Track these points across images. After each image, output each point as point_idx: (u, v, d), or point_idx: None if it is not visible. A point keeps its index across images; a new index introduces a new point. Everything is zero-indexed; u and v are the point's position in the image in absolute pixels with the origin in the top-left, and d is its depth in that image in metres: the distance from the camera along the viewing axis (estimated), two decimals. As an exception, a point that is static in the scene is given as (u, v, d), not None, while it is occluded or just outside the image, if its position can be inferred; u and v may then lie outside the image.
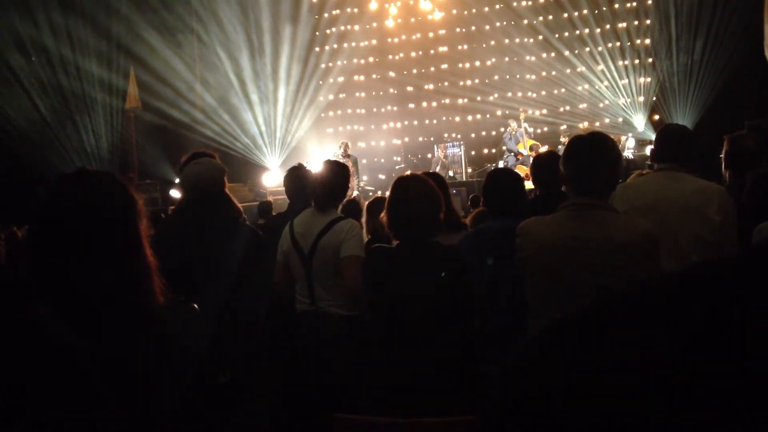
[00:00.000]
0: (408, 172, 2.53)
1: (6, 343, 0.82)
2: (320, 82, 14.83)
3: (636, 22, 13.27)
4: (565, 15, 13.82)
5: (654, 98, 12.76)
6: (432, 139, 14.74)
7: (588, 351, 0.41)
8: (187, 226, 2.83)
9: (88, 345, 0.89)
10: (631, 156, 11.06)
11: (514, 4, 14.26)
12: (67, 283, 1.10)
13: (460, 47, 15.01)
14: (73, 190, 1.18)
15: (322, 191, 3.10)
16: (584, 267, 2.00)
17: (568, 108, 13.91)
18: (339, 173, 3.16)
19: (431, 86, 15.19)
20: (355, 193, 10.09)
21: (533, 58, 14.22)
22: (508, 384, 0.46)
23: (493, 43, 14.63)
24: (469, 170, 13.35)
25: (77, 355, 0.87)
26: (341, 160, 4.13)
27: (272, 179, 12.56)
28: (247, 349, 2.90)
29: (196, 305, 1.35)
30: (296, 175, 3.78)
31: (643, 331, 0.40)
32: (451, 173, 12.76)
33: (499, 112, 14.28)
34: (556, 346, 0.44)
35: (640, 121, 12.92)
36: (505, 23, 14.49)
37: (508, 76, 14.50)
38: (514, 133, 12.14)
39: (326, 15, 14.99)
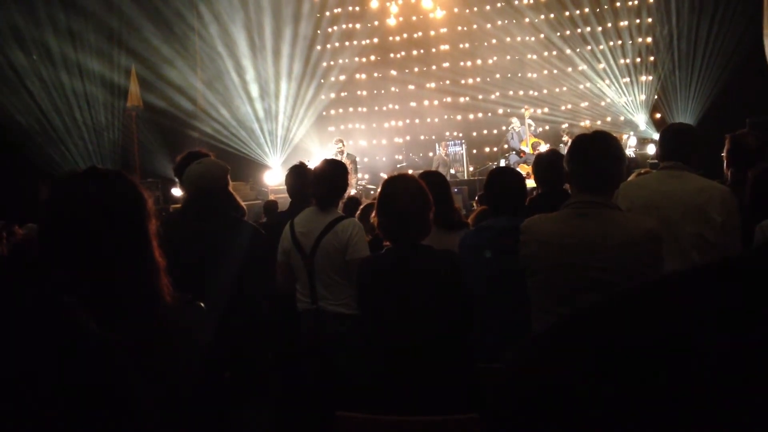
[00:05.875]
0: (396, 172, 2.48)
1: (46, 335, 0.82)
2: (322, 81, 14.79)
3: (637, 20, 13.22)
4: (567, 13, 13.77)
5: (656, 96, 12.72)
6: (433, 137, 14.69)
7: (593, 350, 0.41)
8: (190, 225, 2.83)
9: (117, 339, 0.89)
10: (632, 154, 11.04)
11: (516, 2, 14.21)
12: (75, 282, 1.10)
13: (461, 46, 14.96)
14: (83, 188, 1.18)
15: (322, 190, 3.09)
16: (588, 265, 2.00)
17: (569, 106, 13.87)
18: (337, 171, 3.15)
19: (433, 85, 15.14)
20: (353, 191, 10.09)
21: (535, 57, 14.17)
22: (511, 382, 0.46)
23: (494, 41, 14.58)
24: (471, 169, 13.32)
25: (114, 349, 0.87)
26: (339, 158, 4.11)
27: (274, 178, 12.54)
28: (249, 348, 2.91)
29: (202, 304, 1.35)
30: (298, 174, 3.79)
31: (647, 331, 0.40)
32: (452, 171, 12.73)
33: (500, 111, 14.23)
34: (561, 344, 0.44)
35: (641, 119, 12.89)
36: (506, 21, 14.43)
37: (509, 75, 14.46)
38: (517, 130, 12.12)
39: (327, 13, 14.96)
